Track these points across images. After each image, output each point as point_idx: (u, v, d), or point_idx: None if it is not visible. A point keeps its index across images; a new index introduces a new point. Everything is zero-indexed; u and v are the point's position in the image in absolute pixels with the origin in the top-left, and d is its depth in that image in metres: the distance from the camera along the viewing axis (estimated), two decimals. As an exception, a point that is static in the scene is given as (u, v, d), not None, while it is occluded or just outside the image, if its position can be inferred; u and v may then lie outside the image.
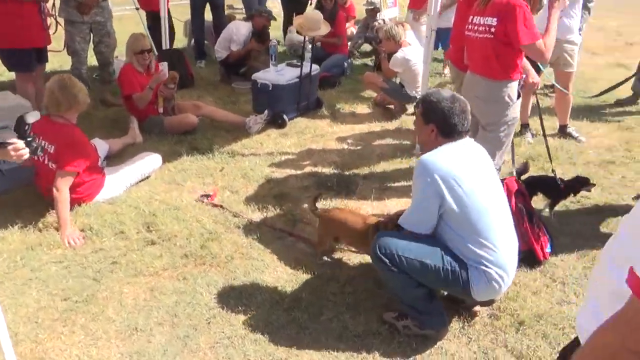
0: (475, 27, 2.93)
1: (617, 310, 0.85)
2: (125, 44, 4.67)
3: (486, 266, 2.17)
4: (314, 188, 3.75)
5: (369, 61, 7.39)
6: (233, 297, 2.60)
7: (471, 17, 3.02)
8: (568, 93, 4.46)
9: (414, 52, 4.95)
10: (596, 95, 4.69)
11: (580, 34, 4.59)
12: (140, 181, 3.73)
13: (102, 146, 3.87)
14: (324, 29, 4.77)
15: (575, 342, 1.24)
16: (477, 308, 2.54)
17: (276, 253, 2.98)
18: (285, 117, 4.85)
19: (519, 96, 2.96)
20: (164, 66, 4.47)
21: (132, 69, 4.48)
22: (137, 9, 6.18)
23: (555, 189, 3.33)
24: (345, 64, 6.44)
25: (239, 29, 5.99)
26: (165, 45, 6.00)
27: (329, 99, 5.60)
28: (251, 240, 3.09)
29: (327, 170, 4.06)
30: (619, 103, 5.71)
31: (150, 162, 3.81)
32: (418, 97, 5.03)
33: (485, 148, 2.99)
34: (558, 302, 2.63)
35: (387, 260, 2.23)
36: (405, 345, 2.33)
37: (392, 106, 5.39)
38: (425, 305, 2.31)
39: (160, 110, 4.61)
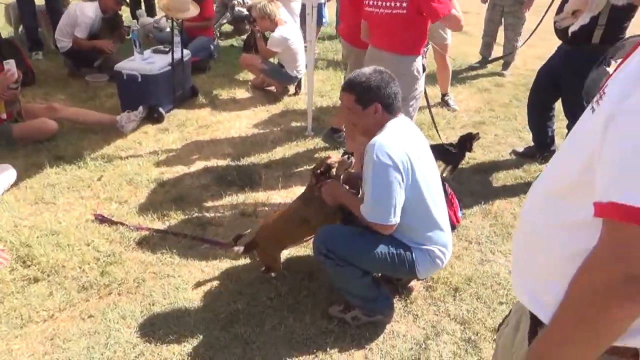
0: (380, 3, 2.85)
1: (596, 248, 0.80)
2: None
3: (430, 246, 2.16)
4: (215, 185, 3.44)
5: (235, 42, 7.04)
6: (158, 326, 2.25)
7: None
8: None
9: (292, 31, 4.79)
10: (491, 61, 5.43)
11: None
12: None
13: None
14: (194, 10, 4.33)
15: (509, 313, 1.24)
16: (412, 283, 2.56)
17: (192, 265, 2.66)
18: (161, 110, 4.36)
19: (424, 69, 3.00)
20: (10, 65, 3.65)
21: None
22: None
23: (450, 153, 3.50)
24: (212, 46, 6.02)
25: (84, 12, 5.16)
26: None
27: (203, 86, 5.19)
28: (160, 256, 2.71)
29: (223, 163, 3.76)
30: (472, 67, 6.27)
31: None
32: (300, 76, 4.94)
33: None
34: (479, 262, 2.78)
35: (333, 257, 2.10)
36: (359, 336, 2.25)
37: (272, 88, 5.19)
38: (373, 291, 2.24)
39: (4, 116, 3.81)
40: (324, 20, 6.89)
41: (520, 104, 5.18)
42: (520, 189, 3.53)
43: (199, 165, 3.72)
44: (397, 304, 2.44)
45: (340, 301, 2.34)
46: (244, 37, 7.16)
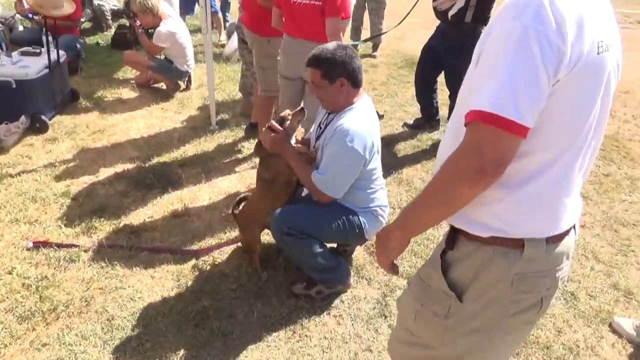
0: None
1: (461, 143, 1.02)
2: None
3: (373, 206, 2.39)
4: (134, 190, 3.28)
5: (100, 40, 6.52)
6: (127, 339, 2.16)
7: None
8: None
9: (178, 24, 4.64)
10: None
11: None
12: None
13: None
14: (68, 7, 3.96)
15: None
16: (356, 252, 2.79)
17: (140, 273, 2.56)
18: (44, 118, 3.95)
19: None
20: None
21: None
22: None
23: None
24: (78, 45, 5.53)
25: None
26: None
27: (81, 89, 4.76)
28: (100, 270, 2.55)
29: (133, 167, 3.58)
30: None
31: None
32: (190, 71, 4.83)
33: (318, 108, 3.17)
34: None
35: (295, 232, 2.23)
36: (326, 307, 2.41)
37: (159, 85, 4.99)
38: (333, 260, 2.41)
39: None
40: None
41: (396, 82, 5.72)
42: (419, 156, 3.98)
43: (107, 172, 3.49)
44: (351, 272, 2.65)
45: (302, 279, 2.48)
46: (107, 33, 6.70)
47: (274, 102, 3.73)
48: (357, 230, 2.36)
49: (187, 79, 4.98)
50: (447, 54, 3.85)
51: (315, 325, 2.31)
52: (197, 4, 6.85)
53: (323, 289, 2.45)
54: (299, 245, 2.28)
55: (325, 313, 2.38)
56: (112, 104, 4.63)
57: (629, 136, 4.76)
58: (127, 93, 4.90)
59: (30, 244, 2.67)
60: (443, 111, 4.39)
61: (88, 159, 3.66)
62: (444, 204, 1.08)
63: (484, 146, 0.98)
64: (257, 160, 3.70)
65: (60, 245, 2.67)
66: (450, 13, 3.54)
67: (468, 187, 1.02)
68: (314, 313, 2.37)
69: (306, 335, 2.24)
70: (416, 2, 3.91)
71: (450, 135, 1.20)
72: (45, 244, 2.67)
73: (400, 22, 4.14)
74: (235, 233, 2.87)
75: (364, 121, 2.23)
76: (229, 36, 6.09)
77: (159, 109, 4.62)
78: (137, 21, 4.66)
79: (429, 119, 4.35)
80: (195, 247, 2.78)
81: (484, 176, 0.99)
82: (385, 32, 3.79)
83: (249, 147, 3.97)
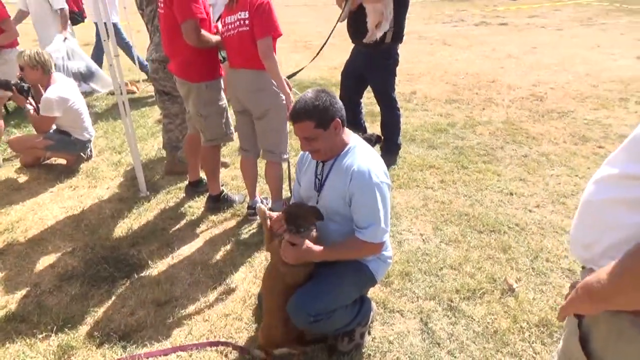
0: (230, 26, 2.88)
1: None
2: None
3: (381, 251, 2.24)
4: (94, 288, 2.75)
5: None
6: None
7: (223, 19, 2.96)
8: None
9: (67, 87, 4.03)
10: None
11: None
12: None
13: None
14: None
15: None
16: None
17: None
18: None
19: None
20: None
21: None
22: None
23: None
24: None
25: None
26: None
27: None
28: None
29: (77, 261, 3.00)
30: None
31: None
32: (92, 137, 4.26)
33: (270, 136, 3.09)
34: (418, 248, 3.11)
35: (322, 316, 2.07)
36: (381, 354, 2.28)
37: (51, 161, 4.29)
38: (358, 303, 2.28)
39: None
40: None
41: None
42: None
43: (46, 277, 2.87)
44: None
45: (340, 337, 2.29)
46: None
47: (220, 149, 3.48)
48: (371, 282, 2.29)
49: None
50: (373, 73, 4.01)
51: (381, 371, 2.16)
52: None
53: (363, 329, 2.32)
54: (329, 323, 2.12)
55: (378, 350, 2.25)
56: (3, 195, 3.85)
57: (518, 119, 5.41)
58: (23, 177, 4.13)
59: None
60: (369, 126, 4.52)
61: (10, 266, 2.98)
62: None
63: None
64: (213, 218, 3.41)
65: None
66: (378, 37, 3.71)
67: None
68: (371, 357, 2.22)
69: (382, 391, 2.09)
70: (327, 38, 3.95)
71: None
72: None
73: (315, 56, 4.13)
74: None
75: (373, 155, 2.15)
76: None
77: (67, 187, 3.97)
78: (22, 75, 3.92)
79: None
80: (205, 336, 2.41)
81: None
82: (303, 68, 3.81)
83: (197, 206, 3.62)
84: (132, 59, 6.85)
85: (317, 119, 2.04)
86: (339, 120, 2.08)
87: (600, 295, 0.98)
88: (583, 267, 1.16)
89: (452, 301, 2.60)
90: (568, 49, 9.02)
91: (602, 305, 1.01)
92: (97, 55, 6.58)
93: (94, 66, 6.17)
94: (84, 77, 6.05)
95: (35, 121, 4.00)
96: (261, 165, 3.32)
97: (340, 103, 2.12)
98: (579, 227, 1.14)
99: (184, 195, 3.77)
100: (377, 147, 4.27)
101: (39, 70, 3.85)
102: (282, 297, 2.13)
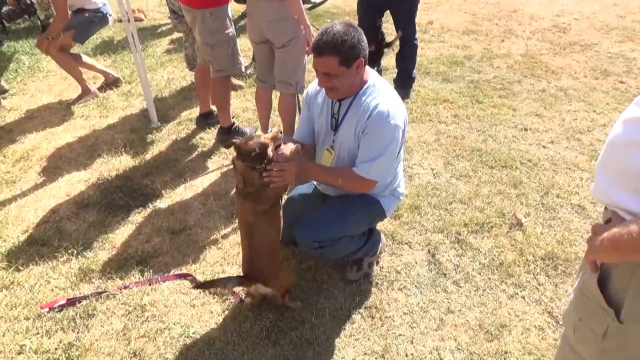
0: None
1: None
2: None
3: (394, 187, 2.29)
4: (110, 215, 2.83)
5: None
6: None
7: None
8: None
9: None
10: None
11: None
12: None
13: None
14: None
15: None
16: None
17: (178, 306, 2.25)
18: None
19: None
20: None
21: None
22: None
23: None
24: None
25: None
26: None
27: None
28: (129, 316, 2.20)
29: (92, 189, 3.07)
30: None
31: None
32: (109, 12, 4.26)
33: (288, 66, 3.02)
34: (428, 181, 3.12)
35: (328, 242, 2.12)
36: (388, 282, 2.36)
37: (64, 98, 4.26)
38: (368, 236, 2.33)
39: None
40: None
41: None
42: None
43: (63, 204, 2.95)
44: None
45: (349, 265, 2.37)
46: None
47: (230, 80, 3.43)
48: (380, 216, 2.32)
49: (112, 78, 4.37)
50: (399, 1, 3.85)
51: (388, 304, 2.25)
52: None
53: (372, 259, 2.39)
54: (332, 252, 2.18)
55: (390, 289, 2.33)
56: (16, 124, 3.88)
57: (538, 51, 5.21)
58: (26, 107, 4.13)
59: (45, 310, 2.21)
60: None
61: (27, 194, 3.06)
62: None
63: None
64: (225, 150, 3.42)
65: (70, 303, 2.24)
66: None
67: None
68: (380, 293, 2.30)
69: (386, 317, 2.18)
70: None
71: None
72: (65, 303, 2.24)
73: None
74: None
75: (393, 95, 2.09)
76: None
77: (79, 117, 3.98)
78: None
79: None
80: (219, 263, 2.50)
81: None
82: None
83: (208, 138, 3.63)
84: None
85: (342, 55, 1.92)
86: (363, 59, 1.99)
87: (630, 248, 0.95)
88: (605, 208, 1.15)
89: (459, 234, 2.65)
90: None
91: (629, 258, 0.99)
92: None
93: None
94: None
95: (58, 8, 3.77)
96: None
97: (366, 40, 2.01)
98: (603, 168, 1.11)
99: (195, 126, 3.77)
100: (391, 80, 4.18)
101: None
102: (265, 228, 2.05)
